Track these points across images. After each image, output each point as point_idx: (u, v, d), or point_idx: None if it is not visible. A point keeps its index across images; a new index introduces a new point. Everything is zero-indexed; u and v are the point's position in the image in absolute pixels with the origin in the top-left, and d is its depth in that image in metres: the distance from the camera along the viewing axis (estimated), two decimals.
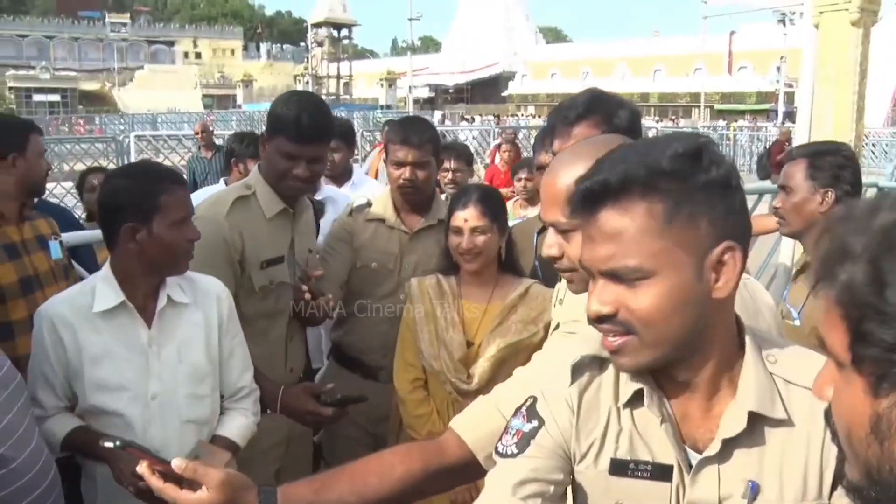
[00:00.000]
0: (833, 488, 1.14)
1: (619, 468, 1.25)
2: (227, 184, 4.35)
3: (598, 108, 1.97)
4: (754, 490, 1.15)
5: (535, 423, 1.29)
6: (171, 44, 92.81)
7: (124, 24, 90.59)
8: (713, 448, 1.17)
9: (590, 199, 1.13)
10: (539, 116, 47.16)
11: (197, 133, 9.81)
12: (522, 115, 55.24)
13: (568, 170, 1.49)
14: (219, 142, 9.54)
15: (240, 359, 2.32)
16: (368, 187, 4.16)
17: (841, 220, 0.83)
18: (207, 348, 2.20)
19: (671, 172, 1.09)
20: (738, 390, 1.17)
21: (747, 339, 1.19)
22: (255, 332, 2.53)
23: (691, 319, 1.12)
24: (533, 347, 2.54)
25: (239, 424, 2.29)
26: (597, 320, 1.15)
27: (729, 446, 1.16)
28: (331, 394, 2.47)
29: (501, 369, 2.57)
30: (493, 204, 2.66)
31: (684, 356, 1.16)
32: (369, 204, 3.04)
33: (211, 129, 9.90)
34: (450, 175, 4.81)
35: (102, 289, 2.08)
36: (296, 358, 2.81)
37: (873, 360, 0.77)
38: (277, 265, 2.62)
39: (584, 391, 1.28)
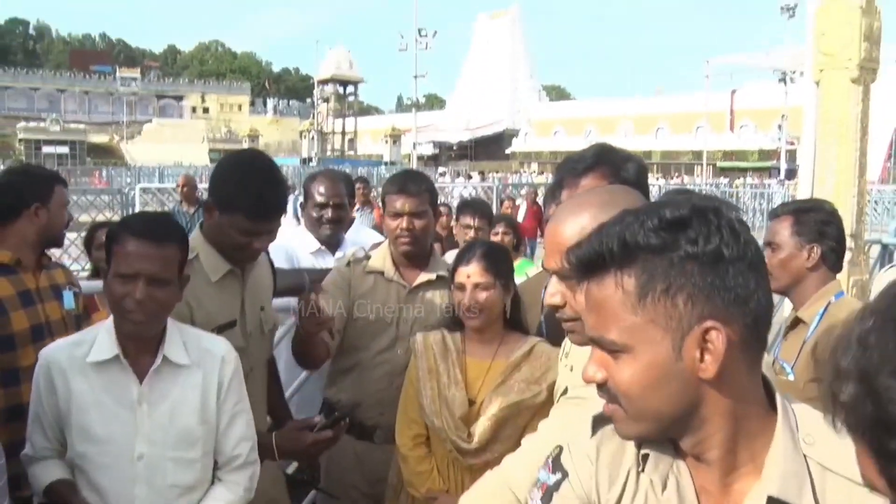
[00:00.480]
0: None
1: None
2: None
3: (605, 160, 1.99)
4: None
5: (559, 475, 1.27)
6: (180, 98, 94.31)
7: (134, 79, 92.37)
8: None
9: (577, 270, 1.15)
10: (542, 173, 47.53)
11: (180, 187, 9.55)
12: (525, 171, 55.64)
13: (572, 218, 1.49)
14: None
15: (240, 427, 2.20)
16: (366, 236, 4.11)
17: (833, 345, 0.79)
18: (203, 412, 2.11)
19: (646, 246, 1.05)
20: (763, 470, 1.08)
21: (779, 415, 1.10)
22: None
23: (674, 398, 1.07)
24: (535, 408, 2.51)
25: (225, 501, 2.17)
26: (590, 384, 1.15)
27: None
28: (317, 421, 2.46)
29: (502, 429, 2.53)
30: (497, 260, 2.62)
31: (679, 432, 1.11)
32: (368, 256, 3.00)
33: (195, 184, 9.67)
34: (472, 232, 4.79)
35: (102, 340, 2.06)
36: (257, 423, 2.63)
37: None
38: (229, 330, 2.48)
39: (603, 445, 1.24)
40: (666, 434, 1.12)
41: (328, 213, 3.60)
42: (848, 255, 4.52)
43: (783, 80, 43.83)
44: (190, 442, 2.09)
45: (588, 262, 1.11)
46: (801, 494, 1.05)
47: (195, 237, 2.50)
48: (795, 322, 2.74)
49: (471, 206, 5.18)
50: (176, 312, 2.32)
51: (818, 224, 2.67)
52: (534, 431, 2.38)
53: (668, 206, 1.09)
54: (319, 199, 3.59)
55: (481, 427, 2.52)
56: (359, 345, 2.94)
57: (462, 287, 2.57)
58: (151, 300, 1.98)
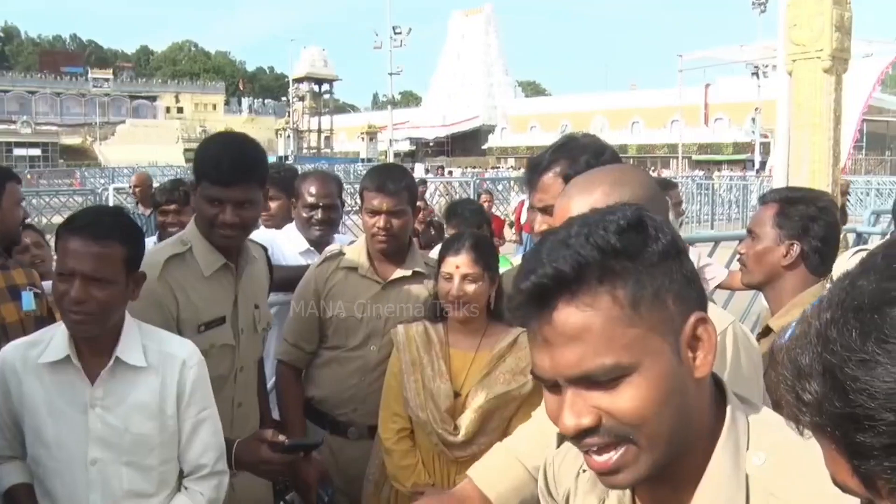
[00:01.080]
0: None
1: None
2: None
3: (562, 154, 2.00)
4: None
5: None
6: (154, 99, 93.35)
7: (107, 80, 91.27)
8: None
9: (540, 296, 0.97)
10: (519, 168, 47.56)
11: (132, 187, 8.56)
12: (502, 167, 55.67)
13: (583, 196, 1.50)
14: None
15: (205, 436, 2.09)
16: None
17: (787, 348, 0.75)
18: (160, 418, 2.01)
19: (623, 250, 0.96)
20: (697, 488, 1.01)
21: (726, 424, 1.02)
22: None
23: (681, 408, 0.99)
24: (521, 398, 2.51)
25: None
26: (577, 436, 0.98)
27: None
28: (282, 440, 2.37)
29: (489, 421, 2.51)
30: (485, 251, 2.60)
31: (678, 451, 1.00)
32: (342, 252, 2.97)
33: (150, 183, 8.34)
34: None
35: (56, 340, 1.99)
36: (244, 426, 2.56)
37: (881, 475, 0.67)
38: (217, 327, 2.43)
39: (558, 457, 1.25)
40: (671, 458, 0.99)
41: (318, 213, 3.55)
42: None
43: (756, 73, 44.27)
44: (147, 448, 2.01)
45: (562, 281, 0.95)
46: None
47: (190, 230, 2.48)
48: (766, 330, 2.45)
49: (459, 214, 4.91)
50: (158, 308, 2.30)
51: (803, 219, 2.36)
52: (520, 422, 2.40)
53: (607, 213, 1.02)
54: (310, 199, 3.54)
55: (467, 419, 2.50)
56: (332, 342, 2.92)
57: (449, 277, 2.54)
58: (90, 299, 1.88)
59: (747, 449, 1.01)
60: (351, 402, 2.85)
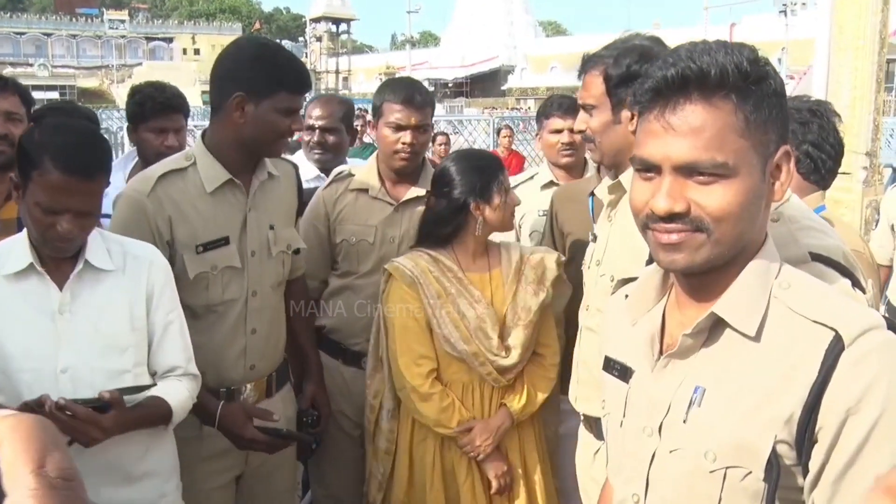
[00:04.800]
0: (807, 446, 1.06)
1: (606, 366, 1.34)
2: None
3: (612, 53, 2.06)
4: (696, 394, 1.15)
5: None
6: (170, 40, 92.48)
7: (122, 21, 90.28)
8: (676, 346, 1.17)
9: (678, 86, 1.10)
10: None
11: None
12: (522, 108, 54.90)
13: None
14: None
15: (176, 336, 2.03)
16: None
17: None
18: (131, 319, 1.95)
19: (752, 74, 1.09)
20: (722, 294, 1.15)
21: (759, 252, 1.16)
22: (200, 326, 2.25)
23: (753, 220, 1.12)
24: (548, 308, 2.49)
25: (174, 389, 1.99)
26: (666, 218, 1.11)
27: (689, 348, 1.16)
28: (268, 420, 2.30)
29: (533, 335, 2.45)
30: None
31: (731, 256, 1.14)
32: (351, 173, 2.79)
33: None
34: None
35: (18, 250, 1.89)
36: (261, 354, 2.41)
37: None
38: (220, 248, 2.26)
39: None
40: (727, 260, 1.13)
41: (315, 136, 3.43)
42: (863, 175, 4.31)
43: (784, 11, 42.97)
44: (119, 350, 1.94)
45: (704, 79, 1.08)
46: (745, 321, 1.12)
47: (196, 146, 2.30)
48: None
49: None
50: (141, 222, 2.16)
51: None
52: (544, 331, 2.53)
53: (730, 45, 1.13)
54: (308, 121, 3.40)
55: (520, 337, 2.41)
56: (343, 268, 2.77)
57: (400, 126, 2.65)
58: (79, 231, 1.82)
59: (776, 277, 1.15)
60: (365, 331, 2.69)
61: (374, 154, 2.83)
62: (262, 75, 2.18)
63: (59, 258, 1.90)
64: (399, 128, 2.65)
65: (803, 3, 39.49)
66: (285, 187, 2.49)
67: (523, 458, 2.52)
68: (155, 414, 1.94)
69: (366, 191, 2.74)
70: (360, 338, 2.73)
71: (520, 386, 2.49)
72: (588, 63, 2.12)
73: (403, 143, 2.65)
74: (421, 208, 2.65)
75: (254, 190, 2.33)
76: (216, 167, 2.26)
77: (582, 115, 2.14)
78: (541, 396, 2.50)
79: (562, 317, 2.62)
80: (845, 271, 1.39)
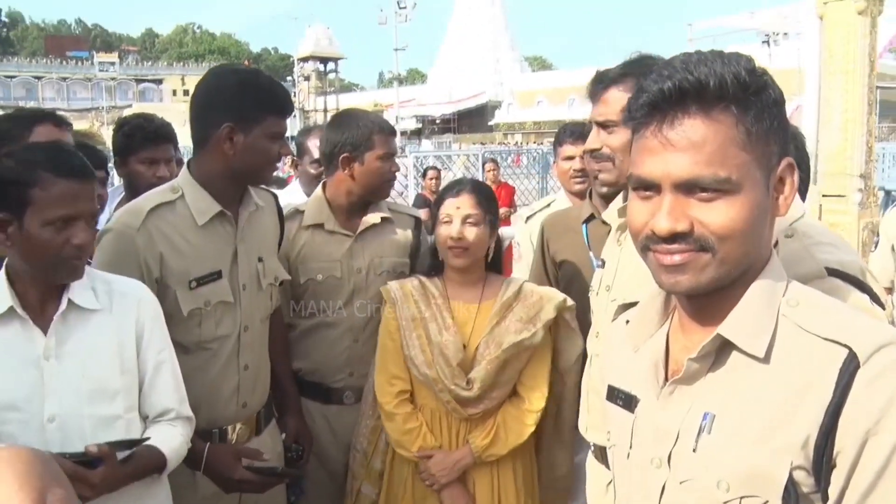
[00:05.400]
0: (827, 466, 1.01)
1: (609, 395, 1.29)
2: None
3: (632, 71, 1.96)
4: (706, 421, 1.10)
5: None
6: (159, 82, 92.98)
7: (112, 64, 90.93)
8: (682, 372, 1.13)
9: (675, 100, 1.05)
10: (526, 144, 47.19)
11: None
12: (509, 143, 55.25)
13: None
14: None
15: (168, 377, 1.93)
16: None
17: None
18: (121, 361, 1.84)
19: (751, 84, 1.05)
20: (728, 315, 1.10)
21: (764, 272, 1.11)
22: (193, 363, 2.16)
23: (758, 237, 1.08)
24: (532, 349, 2.38)
25: (168, 435, 1.89)
26: (668, 239, 1.06)
27: (695, 373, 1.11)
28: (257, 459, 2.22)
29: (503, 372, 2.36)
30: (486, 196, 2.46)
31: (737, 275, 1.09)
32: (300, 210, 2.72)
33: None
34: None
35: None
36: (252, 390, 2.35)
37: None
38: (213, 282, 2.20)
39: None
40: (729, 281, 1.08)
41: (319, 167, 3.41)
42: (858, 197, 4.31)
43: (766, 41, 43.53)
44: (109, 395, 1.82)
45: (702, 91, 1.04)
46: (752, 342, 1.07)
47: (182, 176, 2.24)
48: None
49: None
50: (130, 260, 2.07)
51: None
52: (530, 374, 2.41)
53: (726, 56, 1.09)
54: (317, 154, 3.36)
55: (482, 372, 2.33)
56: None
57: (449, 220, 2.36)
58: (91, 238, 1.76)
59: (784, 295, 1.10)
60: (347, 365, 2.66)
61: (320, 186, 2.76)
62: (249, 102, 2.15)
63: (41, 299, 1.78)
64: (390, 156, 2.66)
65: (785, 34, 40.04)
66: (268, 217, 2.46)
67: (498, 498, 2.43)
68: (149, 465, 1.84)
69: (320, 226, 2.68)
70: (343, 373, 2.68)
71: (490, 424, 2.40)
72: (608, 79, 2.03)
73: (392, 171, 2.68)
74: (380, 235, 2.69)
75: (242, 222, 2.28)
76: (206, 199, 2.20)
77: (597, 133, 2.04)
78: (512, 440, 2.39)
79: (572, 368, 2.48)
80: (863, 286, 1.35)
